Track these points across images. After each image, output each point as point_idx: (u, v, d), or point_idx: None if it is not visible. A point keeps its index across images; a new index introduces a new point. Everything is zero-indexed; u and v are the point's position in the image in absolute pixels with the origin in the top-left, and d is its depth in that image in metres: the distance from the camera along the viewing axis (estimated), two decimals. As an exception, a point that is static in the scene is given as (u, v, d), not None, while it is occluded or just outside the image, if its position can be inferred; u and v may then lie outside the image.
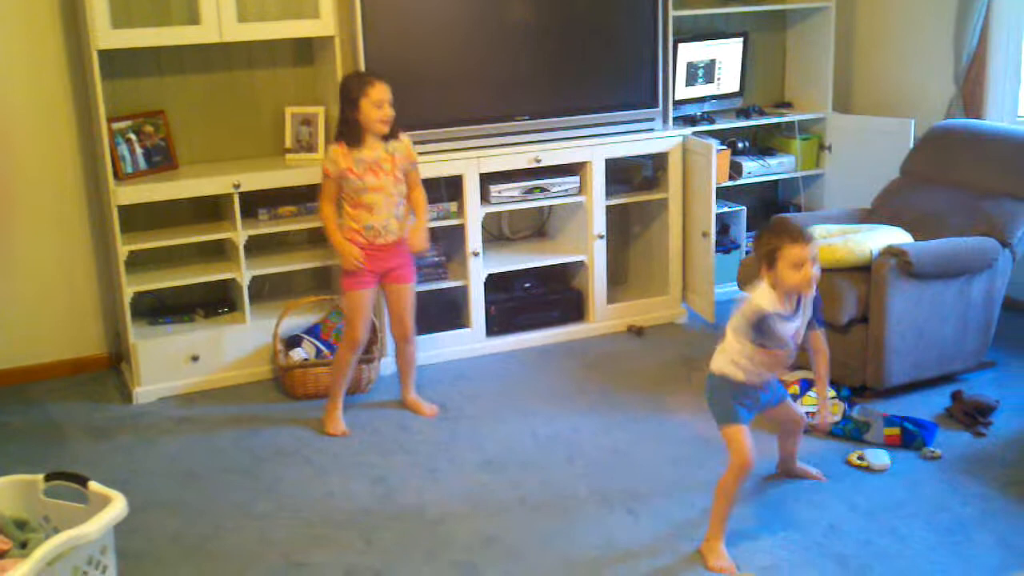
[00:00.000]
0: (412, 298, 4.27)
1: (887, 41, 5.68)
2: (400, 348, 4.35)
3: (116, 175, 4.45)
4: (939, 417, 4.08)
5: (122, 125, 4.55)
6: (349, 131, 4.04)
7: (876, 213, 4.82)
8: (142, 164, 4.61)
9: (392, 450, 4.05)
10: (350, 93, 4.02)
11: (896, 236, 4.37)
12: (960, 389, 4.18)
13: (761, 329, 3.14)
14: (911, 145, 5.02)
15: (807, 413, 3.86)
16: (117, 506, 2.75)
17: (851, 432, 3.95)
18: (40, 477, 2.94)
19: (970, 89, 5.16)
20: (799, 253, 3.08)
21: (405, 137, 4.15)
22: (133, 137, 4.59)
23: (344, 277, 4.18)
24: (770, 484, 3.65)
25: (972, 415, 4.03)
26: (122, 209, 4.43)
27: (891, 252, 4.16)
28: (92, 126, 4.58)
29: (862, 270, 4.24)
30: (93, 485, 2.85)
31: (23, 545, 2.78)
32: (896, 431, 3.88)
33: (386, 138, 4.07)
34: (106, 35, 4.25)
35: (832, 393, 4.08)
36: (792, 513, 3.46)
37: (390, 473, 3.85)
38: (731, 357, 3.25)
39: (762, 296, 3.17)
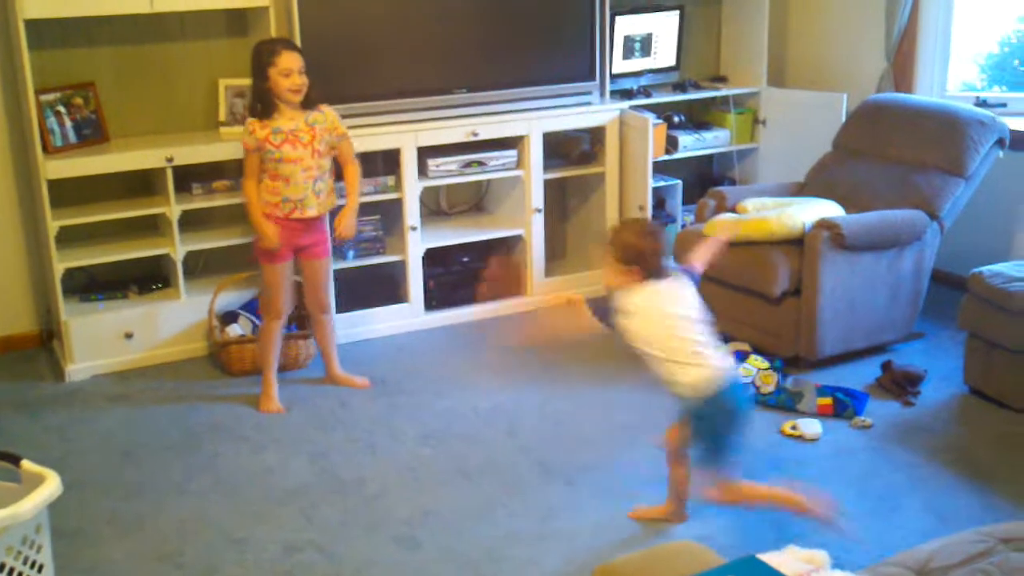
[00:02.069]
0: (328, 272, 4.25)
1: (820, 16, 5.75)
2: (317, 321, 4.32)
3: (45, 149, 4.36)
4: (869, 387, 4.17)
5: (50, 97, 4.44)
6: (260, 101, 3.98)
7: (809, 186, 4.89)
8: (72, 137, 4.51)
9: (331, 425, 4.03)
10: (259, 62, 3.95)
11: (828, 209, 4.44)
12: (890, 359, 4.27)
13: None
14: (843, 119, 5.09)
15: None
16: (51, 485, 2.70)
17: (784, 402, 4.02)
18: (-29, 457, 2.88)
19: (901, 64, 5.24)
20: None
21: (328, 109, 4.08)
22: (62, 110, 4.49)
23: (260, 249, 4.12)
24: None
25: (901, 385, 4.12)
26: (52, 183, 4.33)
27: (823, 225, 4.23)
28: (19, 98, 4.47)
29: (795, 243, 4.31)
30: (26, 464, 2.80)
31: (-46, 526, 2.73)
32: (828, 401, 3.96)
33: (306, 109, 4.01)
34: (33, 3, 4.14)
35: (766, 364, 4.15)
36: (728, 482, 3.51)
37: (329, 449, 3.84)
38: None
39: None
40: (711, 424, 3.01)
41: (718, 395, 2.97)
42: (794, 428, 3.83)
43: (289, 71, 3.93)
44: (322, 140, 4.03)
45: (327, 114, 4.07)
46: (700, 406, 2.99)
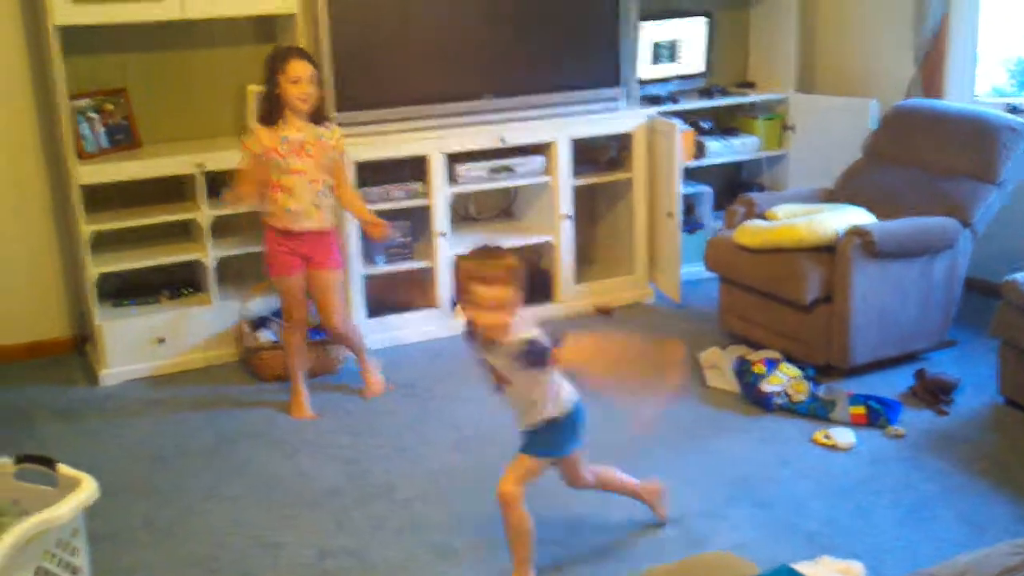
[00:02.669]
0: (336, 286, 4.16)
1: (849, 21, 5.73)
2: (337, 341, 4.33)
3: (78, 154, 4.39)
4: (902, 395, 4.14)
5: (83, 103, 4.48)
6: (268, 107, 3.98)
7: (839, 193, 4.87)
8: (104, 143, 4.55)
9: (362, 431, 4.04)
10: (270, 68, 3.96)
11: (859, 216, 4.41)
12: (923, 368, 4.25)
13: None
14: (873, 125, 5.07)
15: (773, 393, 3.92)
16: (87, 488, 2.72)
17: (816, 411, 4.00)
18: (8, 460, 2.90)
19: (930, 69, 5.21)
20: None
21: (336, 127, 4.08)
22: (94, 115, 4.53)
23: (268, 265, 4.12)
24: (737, 463, 3.69)
25: (934, 393, 4.09)
26: (85, 189, 4.37)
27: (855, 232, 4.21)
28: (52, 104, 4.51)
29: (826, 250, 4.29)
30: (62, 468, 2.82)
31: (-8, 529, 2.75)
32: (861, 410, 3.94)
33: (317, 122, 4.01)
34: (65, 11, 4.18)
35: (797, 372, 4.13)
36: (759, 491, 3.50)
37: (361, 454, 3.85)
38: None
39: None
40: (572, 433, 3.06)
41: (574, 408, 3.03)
42: (827, 437, 3.81)
43: (298, 79, 3.92)
44: (326, 155, 4.03)
45: (334, 131, 4.06)
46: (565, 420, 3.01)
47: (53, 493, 2.80)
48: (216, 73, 4.83)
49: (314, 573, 3.13)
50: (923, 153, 4.71)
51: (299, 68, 3.92)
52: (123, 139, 4.61)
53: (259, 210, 4.13)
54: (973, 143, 4.54)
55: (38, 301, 4.82)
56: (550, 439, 3.02)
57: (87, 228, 4.38)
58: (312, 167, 3.99)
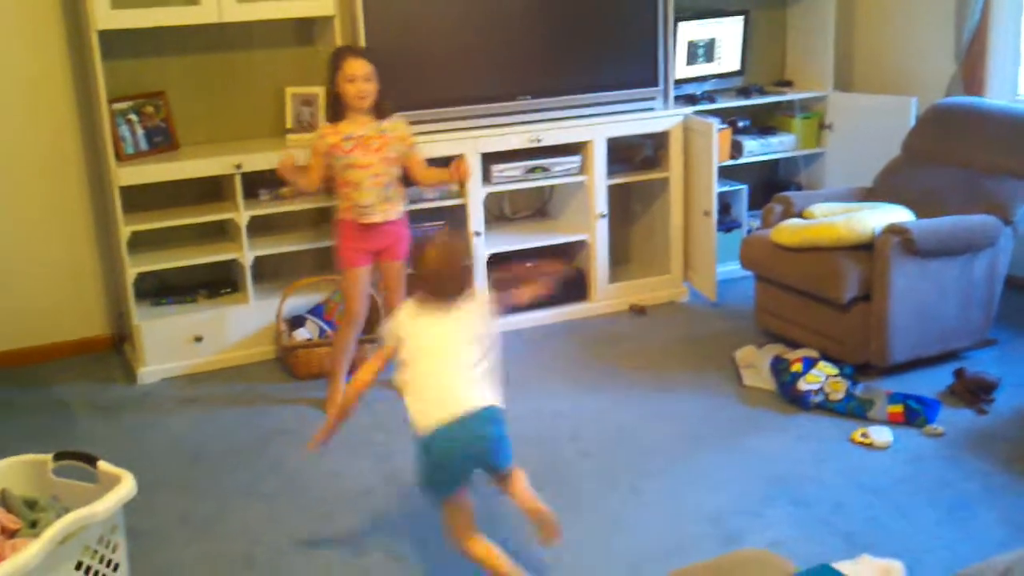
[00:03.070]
0: (403, 274, 4.25)
1: (888, 19, 5.67)
2: None
3: (117, 156, 4.44)
4: (942, 394, 4.10)
5: (123, 106, 4.53)
6: (332, 105, 4.08)
7: (877, 191, 4.83)
8: (143, 145, 4.60)
9: (397, 428, 4.04)
10: (331, 67, 4.06)
11: (898, 214, 4.37)
12: (962, 367, 4.20)
13: None
14: (912, 123, 5.02)
15: (810, 391, 3.90)
16: (126, 485, 2.75)
17: (854, 410, 3.96)
18: (49, 457, 2.94)
19: (971, 67, 5.15)
20: None
21: (399, 119, 4.14)
22: (134, 118, 4.58)
23: (339, 255, 4.19)
24: (774, 461, 3.67)
25: (974, 392, 4.04)
26: (124, 190, 4.42)
27: (893, 230, 4.17)
28: (92, 107, 4.57)
29: (864, 248, 4.25)
30: (102, 464, 2.85)
31: (33, 524, 2.78)
32: (899, 408, 3.90)
33: (379, 117, 4.07)
34: (106, 15, 4.23)
35: (835, 370, 4.10)
36: (796, 490, 3.47)
37: (395, 451, 3.86)
38: None
39: None
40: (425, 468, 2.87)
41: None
42: (864, 436, 3.78)
43: (353, 77, 3.99)
44: (392, 148, 4.08)
45: (397, 124, 4.12)
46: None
47: (93, 489, 2.84)
48: (254, 75, 4.87)
49: (349, 571, 3.14)
50: (964, 151, 4.65)
51: (354, 67, 3.99)
52: (162, 141, 4.66)
53: (324, 205, 4.26)
54: (1015, 141, 4.49)
55: (78, 300, 4.89)
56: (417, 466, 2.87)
57: (126, 229, 4.43)
58: (377, 162, 4.05)
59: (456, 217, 4.92)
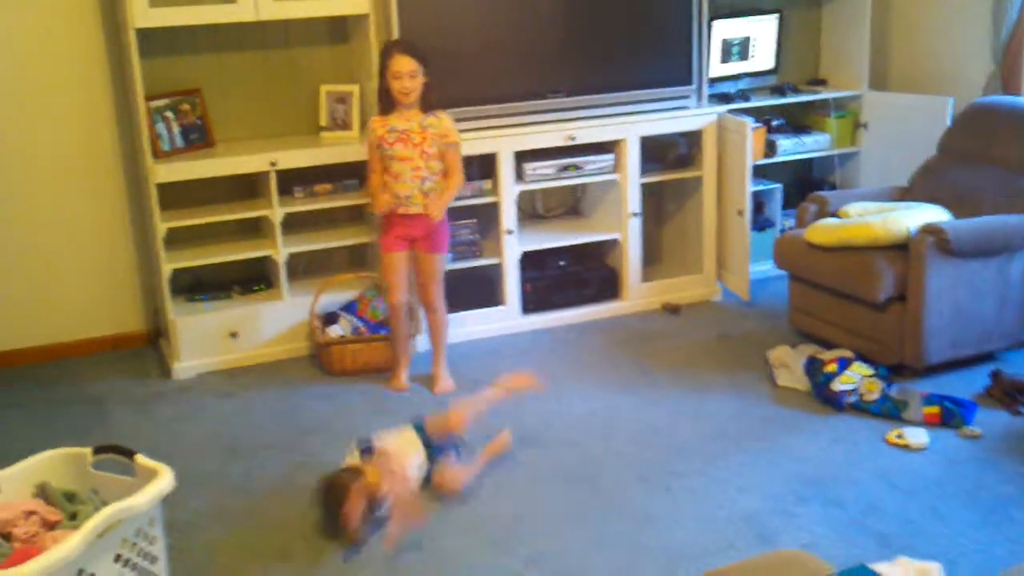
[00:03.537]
0: (437, 268, 4.32)
1: (924, 17, 5.63)
2: (428, 317, 4.44)
3: (154, 153, 4.48)
4: (978, 396, 4.06)
5: (159, 103, 4.57)
6: (381, 98, 4.20)
7: (913, 191, 4.79)
8: (179, 142, 4.64)
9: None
10: (380, 62, 4.17)
11: (934, 214, 4.34)
12: (999, 368, 4.16)
13: None
14: (949, 123, 4.98)
15: (844, 392, 3.88)
16: (165, 479, 2.78)
17: (889, 410, 3.94)
18: (88, 450, 2.97)
19: (1009, 65, 5.10)
20: None
21: (445, 116, 4.19)
22: (170, 115, 4.62)
23: (379, 240, 4.33)
24: (808, 462, 3.65)
25: (1011, 394, 4.01)
26: (160, 187, 4.46)
27: (929, 230, 4.14)
28: (130, 105, 4.61)
29: (899, 248, 4.22)
30: (140, 458, 2.88)
31: (72, 517, 2.82)
32: (935, 410, 3.87)
33: (426, 112, 4.14)
34: (144, 14, 4.27)
35: (870, 371, 4.08)
36: (831, 491, 3.46)
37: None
38: None
39: None
40: None
41: None
42: (900, 437, 3.75)
43: (398, 74, 4.07)
44: (433, 143, 4.14)
45: (442, 119, 4.17)
46: None
47: (131, 483, 2.86)
48: (289, 73, 4.90)
49: (383, 567, 3.15)
50: (1001, 151, 4.60)
51: (399, 63, 4.08)
52: (198, 138, 4.70)
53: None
54: (1053, 140, 4.45)
55: (114, 296, 4.94)
56: None
57: (162, 225, 4.47)
58: (417, 156, 4.14)
59: (488, 215, 4.93)
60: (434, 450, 3.57)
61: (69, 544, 2.46)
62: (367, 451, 3.47)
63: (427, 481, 3.54)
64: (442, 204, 4.20)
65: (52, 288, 4.82)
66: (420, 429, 3.63)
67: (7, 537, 2.71)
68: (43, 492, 2.89)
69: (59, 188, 4.75)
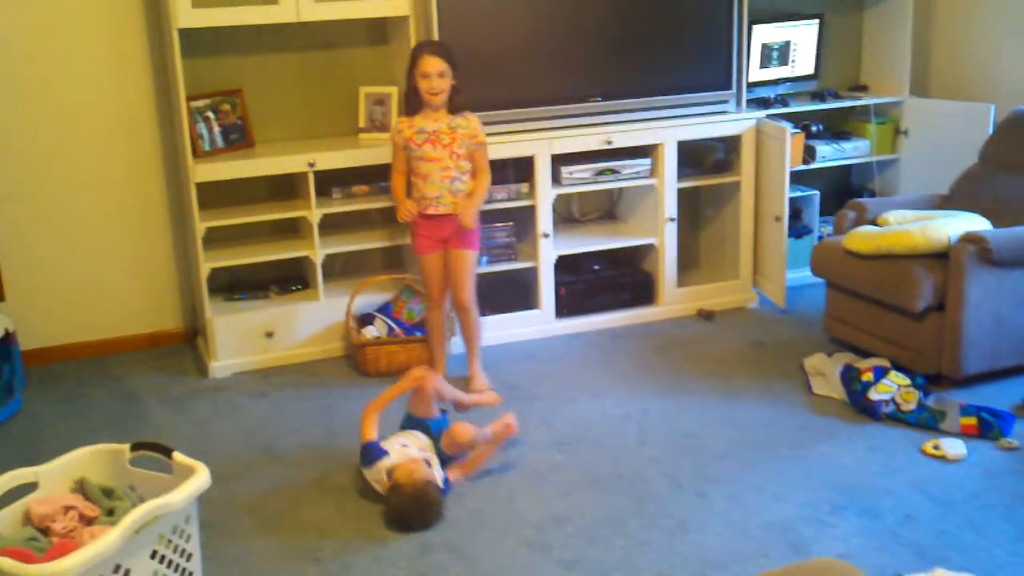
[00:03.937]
0: (468, 266, 4.30)
1: (967, 23, 5.57)
2: (459, 317, 4.43)
3: (194, 153, 4.52)
4: (1017, 408, 4.01)
5: (200, 104, 4.61)
6: (408, 98, 4.20)
7: (953, 199, 4.74)
8: (219, 142, 4.68)
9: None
10: (409, 62, 4.18)
11: (974, 223, 4.29)
12: (1039, 380, 4.12)
13: None
14: (990, 131, 4.92)
15: (881, 401, 3.84)
16: (201, 476, 2.80)
17: (926, 421, 3.90)
18: (126, 447, 3.00)
19: (1053, 74, 5.05)
20: None
21: (472, 116, 4.20)
22: (211, 115, 4.66)
23: (413, 243, 4.35)
24: (843, 471, 3.62)
25: (1051, 406, 3.96)
26: (200, 186, 4.50)
27: (969, 239, 4.10)
28: (171, 105, 4.66)
29: (939, 257, 4.18)
30: (177, 456, 2.90)
31: (110, 512, 2.85)
32: (973, 421, 3.83)
33: (453, 113, 4.15)
34: (186, 14, 4.31)
35: (907, 381, 4.04)
36: (866, 500, 3.43)
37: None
38: None
39: None
40: None
41: None
42: (936, 448, 3.72)
43: (427, 74, 4.08)
44: (462, 144, 4.16)
45: (470, 120, 4.18)
46: None
47: (168, 480, 2.89)
48: (329, 74, 4.93)
49: (415, 568, 3.16)
50: (1043, 159, 4.56)
51: (428, 64, 4.09)
52: (238, 139, 4.74)
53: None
54: (1097, 149, 4.39)
55: (153, 294, 4.99)
56: None
57: (201, 225, 4.51)
58: (445, 156, 4.16)
59: (524, 218, 4.93)
60: (423, 425, 3.74)
61: (107, 540, 2.48)
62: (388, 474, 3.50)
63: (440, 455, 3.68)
64: (473, 209, 4.21)
65: (92, 286, 4.88)
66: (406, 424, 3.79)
67: (45, 532, 2.75)
68: (81, 487, 2.92)
69: (100, 187, 4.81)
